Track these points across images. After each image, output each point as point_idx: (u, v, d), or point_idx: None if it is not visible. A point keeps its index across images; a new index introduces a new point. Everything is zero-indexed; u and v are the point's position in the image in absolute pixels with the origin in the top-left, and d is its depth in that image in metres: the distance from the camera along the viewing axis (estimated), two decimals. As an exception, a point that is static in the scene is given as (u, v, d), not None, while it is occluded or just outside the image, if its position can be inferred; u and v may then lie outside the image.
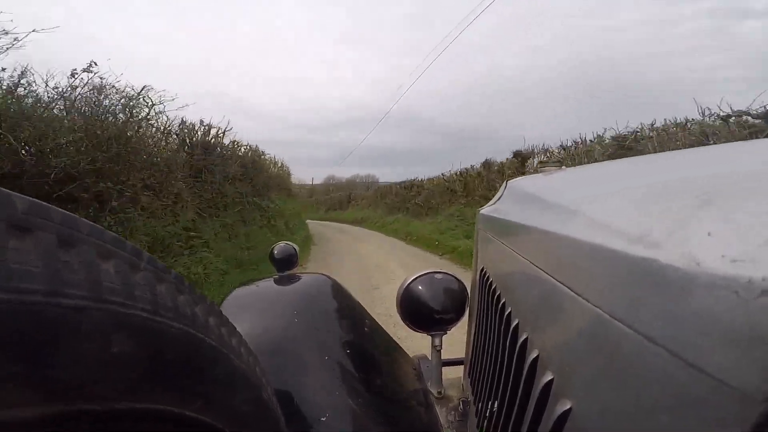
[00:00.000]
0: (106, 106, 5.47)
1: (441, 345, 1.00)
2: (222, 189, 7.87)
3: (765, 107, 5.82)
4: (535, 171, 0.95)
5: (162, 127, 7.12)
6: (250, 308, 0.89)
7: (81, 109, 5.15)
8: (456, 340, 1.06)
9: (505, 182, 0.81)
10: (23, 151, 4.01)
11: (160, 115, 6.73)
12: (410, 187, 17.99)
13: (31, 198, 0.21)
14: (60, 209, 0.22)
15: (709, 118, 6.60)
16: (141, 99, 6.07)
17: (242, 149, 10.51)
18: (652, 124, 7.67)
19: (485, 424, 0.57)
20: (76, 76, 5.12)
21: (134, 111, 5.87)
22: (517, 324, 0.44)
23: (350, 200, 29.36)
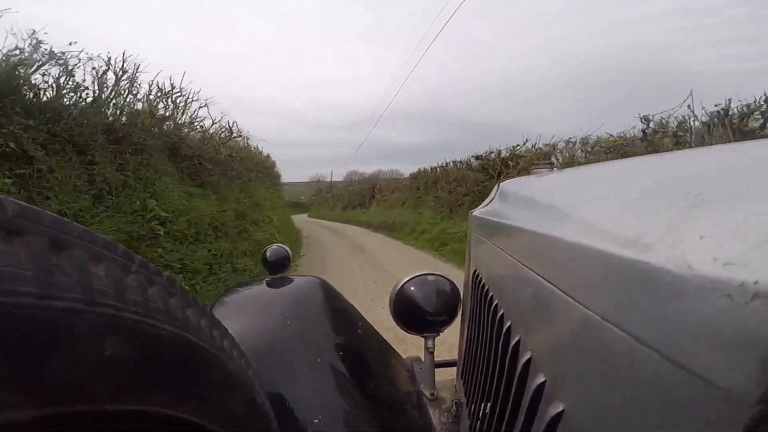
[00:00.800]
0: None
1: (434, 347, 1.00)
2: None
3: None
4: (528, 172, 0.95)
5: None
6: (243, 311, 0.88)
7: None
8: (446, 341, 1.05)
9: (497, 184, 0.81)
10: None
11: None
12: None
13: (21, 202, 0.21)
14: (50, 213, 0.22)
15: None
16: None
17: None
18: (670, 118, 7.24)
19: (478, 426, 0.57)
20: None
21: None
22: (510, 326, 0.44)
23: (374, 194, 21.82)
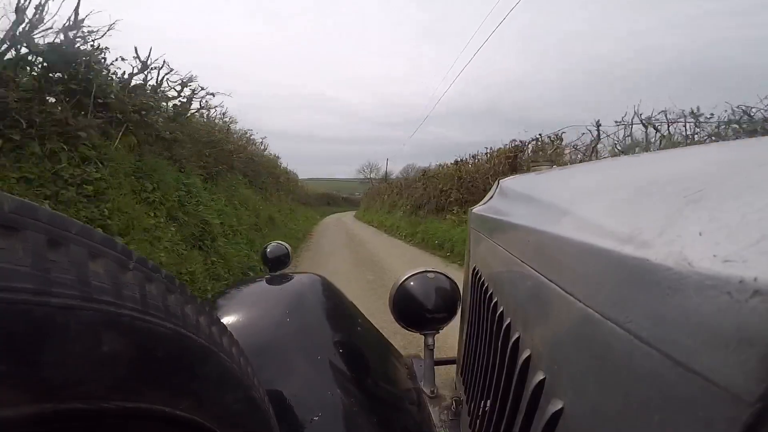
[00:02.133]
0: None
1: (434, 344, 1.00)
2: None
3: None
4: (527, 170, 0.95)
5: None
6: (242, 308, 0.88)
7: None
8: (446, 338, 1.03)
9: (497, 181, 0.81)
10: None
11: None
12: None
13: (19, 198, 0.21)
14: (48, 209, 0.22)
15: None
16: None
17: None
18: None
19: (478, 424, 0.57)
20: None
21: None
22: (509, 323, 0.44)
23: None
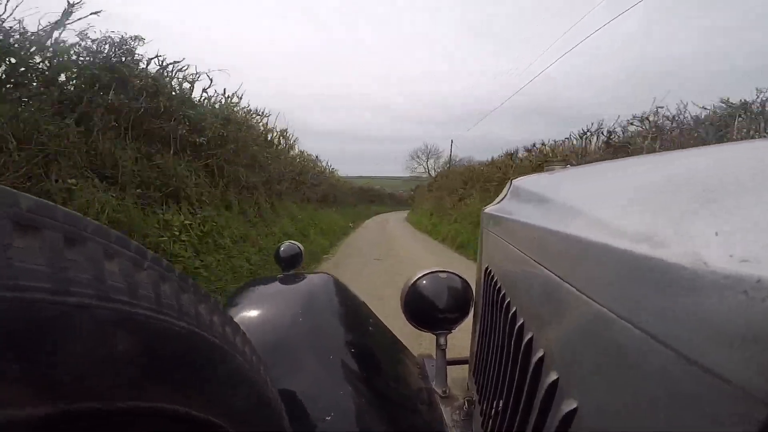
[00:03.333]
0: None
1: (446, 344, 1.00)
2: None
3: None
4: (541, 170, 0.95)
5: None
6: (255, 307, 0.89)
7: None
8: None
9: (509, 181, 0.81)
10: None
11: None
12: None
13: (36, 197, 0.21)
14: (64, 208, 0.22)
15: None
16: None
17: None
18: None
19: (490, 424, 0.56)
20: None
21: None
22: (522, 323, 0.44)
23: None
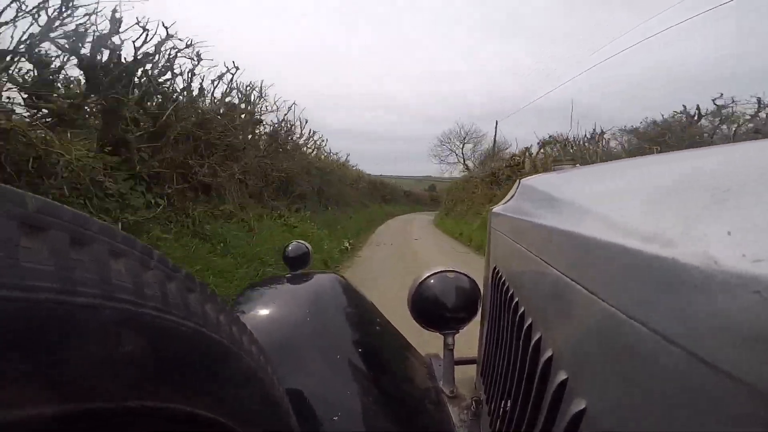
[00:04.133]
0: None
1: (453, 344, 1.00)
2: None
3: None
4: (550, 169, 0.94)
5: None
6: (262, 307, 0.89)
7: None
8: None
9: (518, 180, 0.80)
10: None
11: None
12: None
13: (43, 197, 0.21)
14: (71, 208, 0.22)
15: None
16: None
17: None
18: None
19: (498, 424, 0.56)
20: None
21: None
22: (531, 323, 0.44)
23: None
